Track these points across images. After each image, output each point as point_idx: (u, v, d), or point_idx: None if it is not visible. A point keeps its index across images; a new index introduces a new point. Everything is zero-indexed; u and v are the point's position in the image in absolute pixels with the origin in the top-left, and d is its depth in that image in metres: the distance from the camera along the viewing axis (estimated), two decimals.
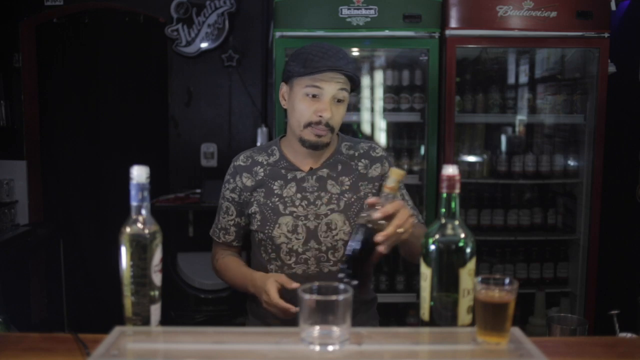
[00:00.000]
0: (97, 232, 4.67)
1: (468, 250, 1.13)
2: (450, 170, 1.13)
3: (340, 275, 1.42)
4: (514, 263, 3.39)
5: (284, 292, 1.60)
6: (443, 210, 1.14)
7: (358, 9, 3.02)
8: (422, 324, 1.16)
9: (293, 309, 1.55)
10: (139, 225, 1.11)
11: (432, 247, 1.13)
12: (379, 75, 3.43)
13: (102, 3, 4.36)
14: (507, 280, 1.09)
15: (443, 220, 1.14)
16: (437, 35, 3.07)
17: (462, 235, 1.13)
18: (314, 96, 1.64)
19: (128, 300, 1.11)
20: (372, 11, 3.02)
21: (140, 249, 1.09)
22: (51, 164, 4.56)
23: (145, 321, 1.12)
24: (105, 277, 4.14)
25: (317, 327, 1.04)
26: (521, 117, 3.44)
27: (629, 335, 1.56)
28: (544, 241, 3.37)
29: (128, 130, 4.63)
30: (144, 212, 1.11)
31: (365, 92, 3.42)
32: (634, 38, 3.28)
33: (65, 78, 4.56)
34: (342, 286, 1.07)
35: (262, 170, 1.76)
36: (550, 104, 3.37)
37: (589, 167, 3.17)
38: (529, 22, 3.03)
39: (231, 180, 1.79)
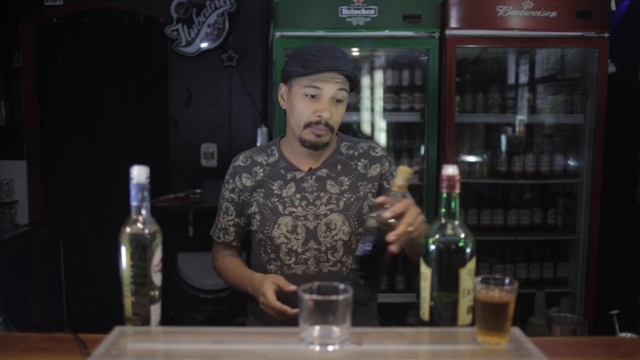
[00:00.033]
0: (97, 232, 4.67)
1: (468, 250, 1.13)
2: (450, 170, 1.13)
3: (351, 278, 1.41)
4: (514, 263, 3.39)
5: (282, 293, 1.60)
6: (443, 210, 1.14)
7: (358, 9, 3.02)
8: (422, 324, 1.16)
9: (290, 310, 1.55)
10: (139, 225, 1.11)
11: (432, 247, 1.13)
12: (379, 75, 3.43)
13: (102, 3, 4.36)
14: (507, 280, 1.09)
15: (443, 220, 1.14)
16: (437, 35, 3.07)
17: (462, 235, 1.13)
18: (313, 96, 1.64)
19: (128, 300, 1.11)
20: (372, 11, 3.02)
21: (140, 249, 1.09)
22: (51, 164, 4.56)
23: (145, 321, 1.12)
24: (105, 277, 4.14)
25: (317, 327, 1.03)
26: (521, 117, 3.44)
27: (629, 335, 1.56)
28: (544, 241, 3.37)
29: (128, 130, 4.63)
30: (144, 212, 1.11)
31: (365, 92, 3.42)
32: (634, 38, 3.28)
33: (65, 78, 4.56)
34: (342, 286, 1.07)
35: (261, 170, 1.76)
36: (550, 104, 3.37)
37: (589, 167, 3.17)
38: (529, 22, 3.03)
39: (230, 181, 1.79)
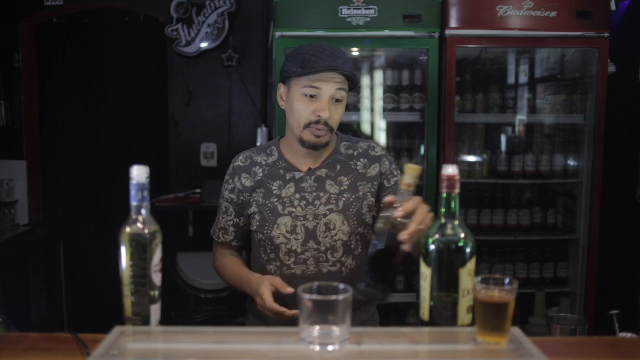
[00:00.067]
0: (97, 232, 4.67)
1: (468, 250, 1.13)
2: (450, 170, 1.13)
3: (361, 285, 1.39)
4: (514, 263, 3.39)
5: (280, 294, 1.60)
6: (443, 210, 1.14)
7: (358, 9, 3.02)
8: (422, 324, 1.16)
9: (288, 312, 1.55)
10: (139, 225, 1.11)
11: (432, 247, 1.13)
12: (379, 75, 3.43)
13: (102, 3, 4.36)
14: (507, 280, 1.09)
15: (443, 220, 1.14)
16: (437, 35, 3.07)
17: (462, 235, 1.13)
18: (312, 96, 1.64)
19: (128, 300, 1.11)
20: (372, 11, 3.02)
21: (140, 249, 1.09)
22: (51, 164, 4.56)
23: (145, 321, 1.12)
24: (105, 277, 4.14)
25: (317, 327, 1.03)
26: (521, 117, 3.44)
27: (629, 335, 1.56)
28: (544, 241, 3.37)
29: (128, 130, 4.63)
30: (144, 212, 1.11)
31: (365, 92, 3.42)
32: (634, 38, 3.28)
33: (65, 78, 4.56)
34: (342, 286, 1.07)
35: (261, 170, 1.76)
36: (550, 104, 3.37)
37: (589, 167, 3.17)
38: (529, 22, 3.03)
39: (230, 181, 1.79)
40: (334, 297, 1.03)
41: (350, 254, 1.72)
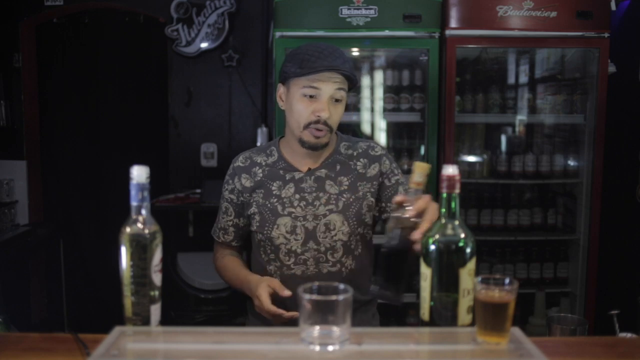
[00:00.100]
0: (97, 232, 4.67)
1: (468, 250, 1.13)
2: (450, 170, 1.13)
3: (374, 288, 1.38)
4: (514, 263, 3.39)
5: (278, 296, 1.59)
6: (443, 210, 1.14)
7: (358, 9, 3.02)
8: (422, 324, 1.16)
9: (285, 314, 1.55)
10: (139, 225, 1.11)
11: (432, 247, 1.13)
12: (379, 75, 3.43)
13: (102, 3, 4.36)
14: (507, 280, 1.09)
15: (443, 220, 1.14)
16: (437, 35, 3.07)
17: (462, 235, 1.13)
18: (311, 96, 1.64)
19: (128, 300, 1.11)
20: (372, 11, 3.02)
21: (140, 249, 1.09)
22: (51, 164, 4.56)
23: (145, 321, 1.12)
24: (105, 277, 4.14)
25: (317, 327, 1.03)
26: (521, 117, 3.44)
27: (629, 335, 1.56)
28: (544, 241, 3.37)
29: (128, 130, 4.63)
30: (144, 212, 1.11)
31: (365, 92, 3.42)
32: (634, 38, 3.28)
33: (65, 78, 4.56)
34: (342, 286, 1.06)
35: (260, 171, 1.76)
36: (550, 104, 3.37)
37: (589, 167, 3.17)
38: (529, 22, 3.03)
39: (230, 181, 1.79)
40: (334, 297, 1.03)
41: (350, 254, 1.72)
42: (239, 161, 1.80)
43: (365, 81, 3.45)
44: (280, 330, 1.15)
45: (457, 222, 1.14)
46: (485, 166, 3.41)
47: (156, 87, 4.52)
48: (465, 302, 1.12)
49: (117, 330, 1.10)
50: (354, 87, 1.72)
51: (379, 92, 3.40)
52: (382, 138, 3.45)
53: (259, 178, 1.75)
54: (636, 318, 2.24)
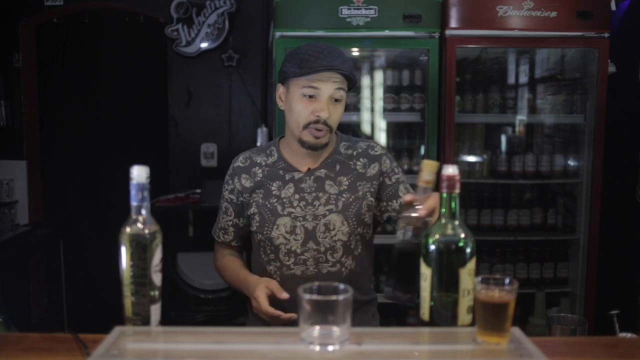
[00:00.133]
0: (97, 232, 4.67)
1: (468, 250, 1.13)
2: (450, 170, 1.13)
3: (387, 290, 1.35)
4: (514, 263, 3.39)
5: (276, 297, 1.59)
6: (443, 210, 1.14)
7: (358, 9, 3.02)
8: (422, 324, 1.16)
9: (283, 315, 1.55)
10: (139, 225, 1.11)
11: (432, 247, 1.13)
12: (379, 75, 3.43)
13: (102, 3, 4.36)
14: (507, 280, 1.09)
15: (443, 220, 1.14)
16: (437, 35, 3.07)
17: (462, 235, 1.13)
18: (311, 96, 1.64)
19: (128, 300, 1.11)
20: (372, 11, 3.02)
21: (140, 249, 1.09)
22: (51, 164, 4.56)
23: (145, 321, 1.12)
24: (105, 277, 4.14)
25: (317, 327, 1.03)
26: (521, 117, 3.44)
27: (629, 335, 1.56)
28: (544, 241, 3.37)
29: (128, 130, 4.63)
30: (144, 212, 1.11)
31: (365, 92, 3.42)
32: (634, 38, 3.28)
33: (65, 78, 4.56)
34: (342, 286, 1.06)
35: (260, 171, 1.76)
36: (550, 104, 3.37)
37: (589, 167, 3.17)
38: (529, 22, 3.03)
39: (230, 182, 1.79)
40: (334, 297, 1.03)
41: (350, 254, 1.72)
42: (239, 161, 1.80)
43: (365, 81, 3.45)
44: (280, 330, 1.15)
45: (457, 222, 1.14)
46: (485, 166, 3.41)
47: (156, 87, 4.52)
48: (465, 302, 1.12)
49: (117, 330, 1.10)
50: (353, 87, 1.72)
51: (379, 92, 3.40)
52: (382, 138, 3.45)
53: (258, 178, 1.75)
54: (636, 318, 2.24)
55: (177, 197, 4.18)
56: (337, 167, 1.75)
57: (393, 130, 3.51)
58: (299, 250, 1.70)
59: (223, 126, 4.39)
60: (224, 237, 1.83)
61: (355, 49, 3.35)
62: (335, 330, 1.03)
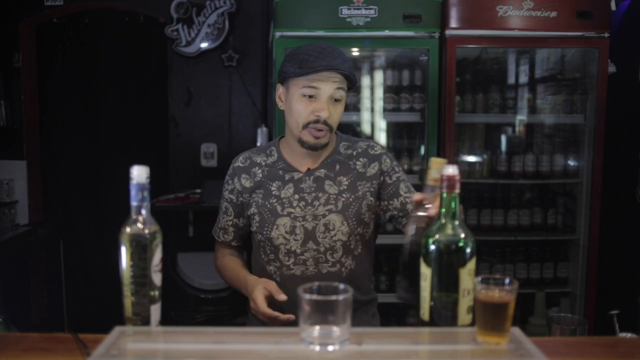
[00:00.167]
0: (97, 232, 4.67)
1: (468, 250, 1.12)
2: (450, 170, 1.13)
3: (400, 292, 1.35)
4: (514, 263, 3.39)
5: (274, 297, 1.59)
6: (443, 210, 1.14)
7: (358, 9, 3.02)
8: (422, 324, 1.16)
9: (281, 316, 1.55)
10: (139, 225, 1.11)
11: (432, 247, 1.13)
12: (379, 75, 3.43)
13: (102, 3, 4.36)
14: (507, 280, 1.09)
15: (443, 220, 1.14)
16: (437, 35, 3.07)
17: (462, 235, 1.13)
18: (310, 96, 1.63)
19: (128, 300, 1.11)
20: (372, 11, 3.02)
21: (140, 249, 1.09)
22: (51, 164, 4.56)
23: (145, 321, 1.12)
24: (105, 277, 4.14)
25: (317, 327, 1.03)
26: (521, 117, 3.44)
27: (629, 335, 1.56)
28: (544, 241, 3.37)
29: (128, 130, 4.63)
30: (144, 212, 1.11)
31: (365, 92, 3.42)
32: (634, 38, 3.28)
33: (65, 78, 4.56)
34: (342, 286, 1.06)
35: (260, 171, 1.76)
36: (550, 104, 3.37)
37: (589, 167, 3.17)
38: (529, 22, 3.03)
39: (230, 182, 1.79)
40: (334, 297, 1.03)
41: (350, 254, 1.72)
42: (239, 161, 1.80)
43: (365, 81, 3.45)
44: (280, 330, 1.15)
45: (457, 222, 1.14)
46: (485, 166, 3.41)
47: (156, 87, 4.52)
48: (465, 302, 1.12)
49: (117, 330, 1.10)
50: (353, 86, 1.72)
51: (379, 92, 3.40)
52: (382, 138, 3.45)
53: (258, 178, 1.75)
54: (636, 318, 2.24)
55: (177, 197, 4.18)
56: (337, 167, 1.75)
57: (393, 130, 3.51)
58: (298, 251, 1.70)
59: (223, 126, 4.39)
60: (224, 237, 1.83)
61: (355, 49, 3.35)
62: (335, 330, 1.03)
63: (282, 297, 1.57)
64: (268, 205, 1.72)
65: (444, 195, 1.14)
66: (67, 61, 4.56)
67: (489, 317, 1.06)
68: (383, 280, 3.35)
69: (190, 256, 4.02)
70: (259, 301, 1.57)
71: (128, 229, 1.10)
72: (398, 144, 3.50)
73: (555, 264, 3.37)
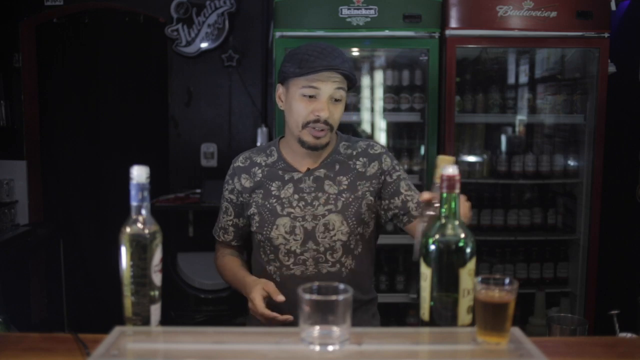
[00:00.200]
0: (97, 232, 4.67)
1: (468, 250, 1.12)
2: (450, 170, 1.13)
3: (414, 293, 1.34)
4: (514, 263, 3.39)
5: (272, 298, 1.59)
6: (443, 210, 1.14)
7: (358, 9, 3.02)
8: (422, 324, 1.16)
9: (279, 317, 1.55)
10: (139, 225, 1.11)
11: (432, 247, 1.13)
12: (379, 75, 3.43)
13: (102, 3, 4.36)
14: (507, 280, 1.09)
15: (443, 220, 1.14)
16: (437, 35, 3.07)
17: (462, 235, 1.13)
18: (311, 96, 1.63)
19: (128, 300, 1.11)
20: (372, 11, 3.02)
21: (140, 249, 1.09)
22: (51, 164, 4.56)
23: (145, 321, 1.12)
24: (105, 277, 4.14)
25: (317, 327, 1.03)
26: (521, 117, 3.44)
27: (629, 335, 1.56)
28: (544, 241, 3.37)
29: (128, 130, 4.63)
30: (144, 212, 1.11)
31: (365, 92, 3.42)
32: (634, 38, 3.28)
33: (65, 78, 4.56)
34: (342, 286, 1.06)
35: (260, 171, 1.76)
36: (550, 104, 3.37)
37: (589, 167, 3.17)
38: (529, 22, 3.03)
39: (230, 182, 1.79)
40: (334, 297, 1.03)
41: (350, 254, 1.72)
42: (239, 161, 1.80)
43: (365, 81, 3.45)
44: (280, 330, 1.15)
45: (457, 222, 1.14)
46: (485, 166, 3.41)
47: (156, 87, 4.52)
48: (465, 302, 1.12)
49: (117, 330, 1.10)
50: (353, 86, 1.72)
51: (379, 92, 3.40)
52: (382, 138, 3.45)
53: (258, 178, 1.75)
54: (636, 318, 2.24)
55: (177, 197, 4.18)
56: (337, 167, 1.74)
57: (393, 130, 3.51)
58: (298, 251, 1.70)
59: (223, 126, 4.39)
60: (224, 236, 1.83)
61: (355, 49, 3.35)
62: (335, 330, 1.03)
63: (280, 298, 1.57)
64: (268, 205, 1.72)
65: (444, 195, 1.14)
66: (67, 61, 4.56)
67: (489, 317, 1.06)
68: (383, 280, 3.35)
69: (190, 256, 4.02)
70: (257, 302, 1.57)
71: (128, 229, 1.10)
72: (398, 144, 3.50)
73: (555, 264, 3.37)
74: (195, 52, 4.27)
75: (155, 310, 1.13)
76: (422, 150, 3.33)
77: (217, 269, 1.87)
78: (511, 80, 3.51)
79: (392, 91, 3.35)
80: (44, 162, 4.49)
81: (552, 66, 3.54)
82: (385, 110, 3.35)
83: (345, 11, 3.02)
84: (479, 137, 3.48)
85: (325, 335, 1.03)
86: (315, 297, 1.03)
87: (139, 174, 1.11)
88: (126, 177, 1.11)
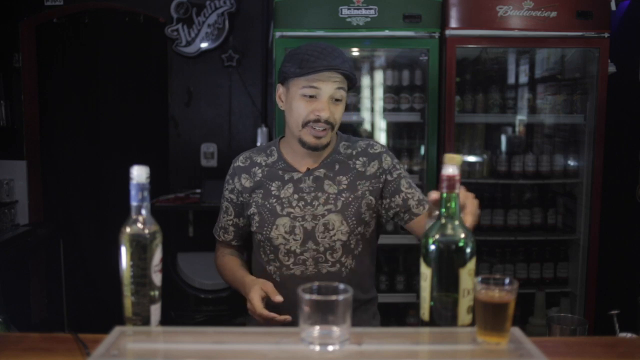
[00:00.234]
0: (97, 232, 4.67)
1: (468, 250, 1.12)
2: (450, 170, 1.13)
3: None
4: (514, 263, 3.39)
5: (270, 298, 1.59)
6: (443, 210, 1.14)
7: (358, 9, 3.02)
8: (422, 324, 1.16)
9: (278, 317, 1.55)
10: (139, 225, 1.10)
11: (432, 247, 1.13)
12: (379, 75, 3.43)
13: (102, 3, 4.36)
14: (507, 280, 1.09)
15: (443, 220, 1.14)
16: (437, 35, 3.07)
17: (462, 235, 1.13)
18: (311, 96, 1.63)
19: (128, 300, 1.11)
20: (372, 11, 3.02)
21: (140, 249, 1.09)
22: (51, 164, 4.56)
23: (145, 321, 1.12)
24: (105, 277, 4.14)
25: (317, 327, 1.03)
26: (521, 117, 3.44)
27: (629, 335, 1.56)
28: (544, 241, 3.37)
29: (128, 130, 4.63)
30: (144, 212, 1.11)
31: (365, 92, 3.42)
32: (634, 38, 3.28)
33: (65, 78, 4.56)
34: (342, 286, 1.06)
35: (260, 171, 1.76)
36: (550, 104, 3.37)
37: (589, 167, 3.17)
38: (529, 22, 3.03)
39: (230, 181, 1.79)
40: (334, 297, 1.03)
41: (350, 254, 1.72)
42: (239, 161, 1.80)
43: (365, 81, 3.45)
44: (280, 330, 1.15)
45: (457, 222, 1.14)
46: (485, 166, 3.41)
47: (156, 87, 4.52)
48: (465, 302, 1.12)
49: (117, 330, 1.10)
50: (353, 86, 1.72)
51: (379, 92, 3.40)
52: (382, 138, 3.45)
53: (258, 178, 1.75)
54: (636, 318, 2.24)
55: (177, 197, 4.18)
56: (336, 166, 1.74)
57: (393, 130, 3.51)
58: (298, 250, 1.70)
59: (223, 126, 4.39)
60: (225, 236, 1.84)
61: (355, 49, 3.35)
62: (335, 330, 1.03)
63: (278, 298, 1.57)
64: (267, 205, 1.72)
65: (444, 195, 1.14)
66: (67, 61, 4.56)
67: (489, 317, 1.06)
68: (383, 280, 3.35)
69: (190, 256, 4.02)
70: (255, 302, 1.57)
71: (128, 229, 1.10)
72: (398, 144, 3.50)
73: (555, 264, 3.37)
74: (195, 52, 4.27)
75: (155, 310, 1.13)
76: (422, 150, 3.33)
77: (217, 268, 1.87)
78: (511, 80, 3.51)
79: (392, 91, 3.35)
80: (44, 162, 4.49)
81: (552, 66, 3.54)
82: (385, 110, 3.35)
83: (345, 11, 3.02)
84: (479, 137, 3.48)
85: (325, 335, 1.03)
86: (315, 297, 1.03)
87: (139, 174, 1.11)
88: (126, 177, 1.11)
